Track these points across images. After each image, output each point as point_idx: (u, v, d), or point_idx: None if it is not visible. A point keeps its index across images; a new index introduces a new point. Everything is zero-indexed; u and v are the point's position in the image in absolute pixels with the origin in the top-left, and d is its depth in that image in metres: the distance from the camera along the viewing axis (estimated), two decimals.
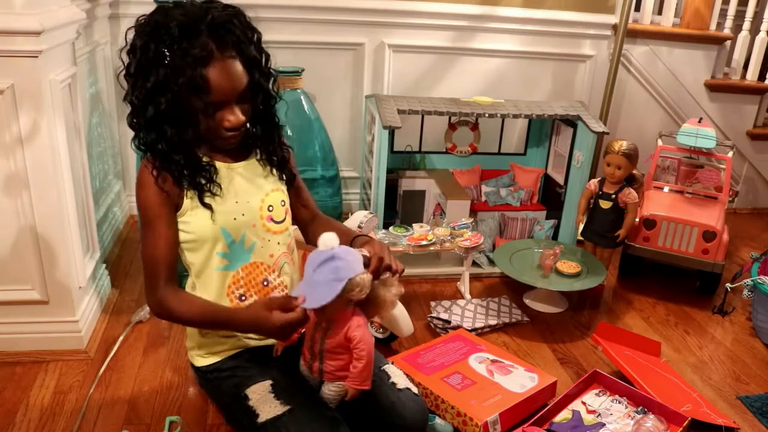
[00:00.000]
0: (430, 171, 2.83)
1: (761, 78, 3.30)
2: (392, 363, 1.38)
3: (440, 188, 2.65)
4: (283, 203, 1.32)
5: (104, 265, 2.24)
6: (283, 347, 1.27)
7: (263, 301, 1.19)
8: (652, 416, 1.69)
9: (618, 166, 2.36)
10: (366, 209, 2.56)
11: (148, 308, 2.05)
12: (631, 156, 2.35)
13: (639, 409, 1.74)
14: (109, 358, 1.89)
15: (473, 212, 2.66)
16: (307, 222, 1.45)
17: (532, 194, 2.86)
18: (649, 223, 2.42)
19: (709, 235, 2.35)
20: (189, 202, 1.22)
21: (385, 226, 2.41)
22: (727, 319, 2.37)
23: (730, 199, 2.59)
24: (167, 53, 1.12)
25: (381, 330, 2.01)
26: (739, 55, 3.27)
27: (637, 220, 2.43)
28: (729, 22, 3.20)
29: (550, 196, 2.83)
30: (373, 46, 2.87)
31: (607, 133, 2.53)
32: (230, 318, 1.21)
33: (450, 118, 2.68)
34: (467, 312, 2.24)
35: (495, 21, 2.91)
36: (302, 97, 2.63)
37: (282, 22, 2.74)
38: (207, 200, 1.22)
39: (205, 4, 1.16)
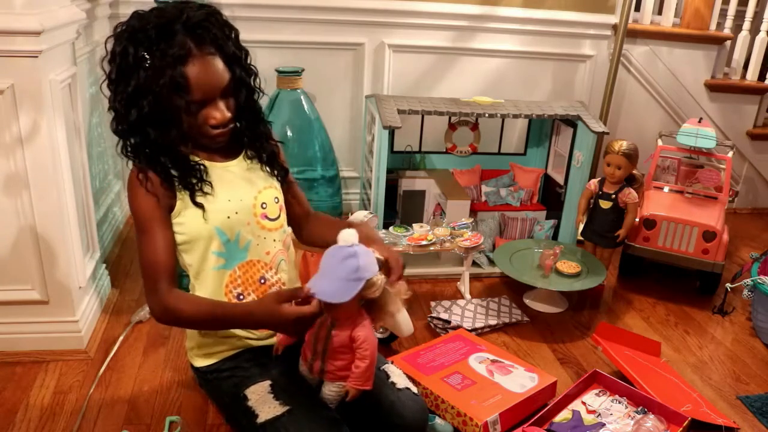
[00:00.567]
0: (430, 171, 2.83)
1: (761, 78, 3.29)
2: (392, 363, 1.38)
3: (440, 188, 2.65)
4: (276, 200, 1.32)
5: (104, 265, 2.24)
6: (284, 347, 1.26)
7: (273, 294, 1.18)
8: (652, 416, 1.69)
9: (618, 166, 2.35)
10: (366, 209, 2.56)
11: (148, 308, 2.05)
12: (631, 156, 2.35)
13: (639, 409, 1.74)
14: (109, 358, 1.88)
15: (473, 212, 2.66)
16: (301, 218, 1.45)
17: (532, 194, 2.85)
18: (649, 223, 2.42)
19: (709, 235, 2.35)
20: (181, 202, 1.22)
21: (385, 226, 2.41)
22: (727, 319, 2.37)
23: (730, 199, 2.59)
24: (146, 56, 1.12)
25: (381, 330, 2.01)
26: (739, 55, 3.27)
27: (637, 220, 2.43)
28: (729, 22, 3.20)
29: (550, 196, 2.83)
30: (373, 46, 2.87)
31: (607, 133, 2.53)
32: (244, 313, 1.20)
33: (450, 118, 2.68)
34: (467, 312, 2.24)
35: (495, 21, 2.91)
36: (302, 97, 2.64)
37: (282, 22, 2.75)
38: (199, 199, 1.21)
39: (180, 4, 1.16)
